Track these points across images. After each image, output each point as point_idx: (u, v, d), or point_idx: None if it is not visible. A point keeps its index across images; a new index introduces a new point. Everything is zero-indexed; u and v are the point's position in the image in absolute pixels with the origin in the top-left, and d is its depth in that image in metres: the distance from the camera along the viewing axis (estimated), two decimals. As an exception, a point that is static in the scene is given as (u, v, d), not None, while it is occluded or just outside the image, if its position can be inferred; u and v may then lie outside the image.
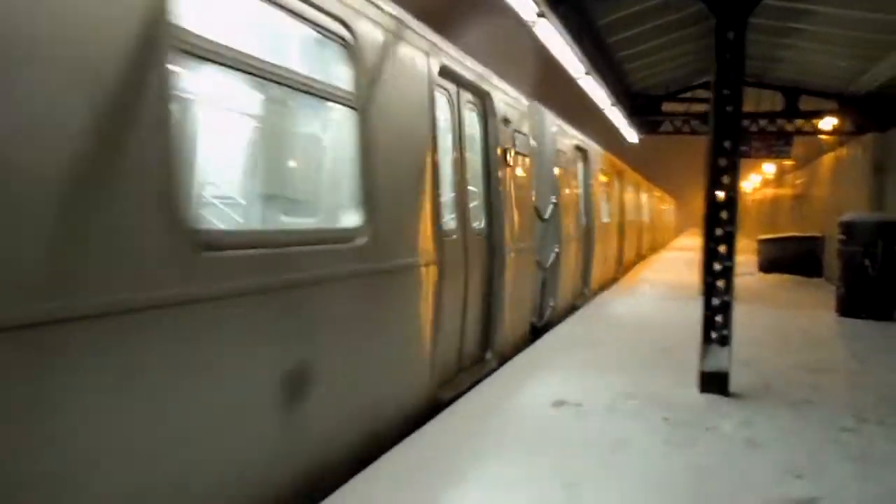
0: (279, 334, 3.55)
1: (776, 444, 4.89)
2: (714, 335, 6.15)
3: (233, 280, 3.16)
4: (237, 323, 3.23)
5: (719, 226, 6.12)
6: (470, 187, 6.58)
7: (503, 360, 7.23)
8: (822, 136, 15.53)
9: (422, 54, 5.40)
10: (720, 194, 6.12)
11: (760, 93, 14.21)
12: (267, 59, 3.58)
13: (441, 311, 5.51)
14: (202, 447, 3.01)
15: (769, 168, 32.05)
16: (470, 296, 6.39)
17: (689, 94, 14.27)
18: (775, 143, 15.25)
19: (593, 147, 12.70)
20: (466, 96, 6.60)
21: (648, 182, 28.43)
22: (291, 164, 5.37)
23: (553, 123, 9.40)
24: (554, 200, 8.97)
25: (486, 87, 6.87)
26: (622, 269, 17.37)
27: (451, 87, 6.21)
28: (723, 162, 6.06)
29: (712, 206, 6.14)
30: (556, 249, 9.21)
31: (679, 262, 22.83)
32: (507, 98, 7.42)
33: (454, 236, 6.05)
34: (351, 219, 4.40)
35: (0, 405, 2.16)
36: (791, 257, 17.38)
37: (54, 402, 2.30)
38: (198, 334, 2.96)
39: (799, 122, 14.49)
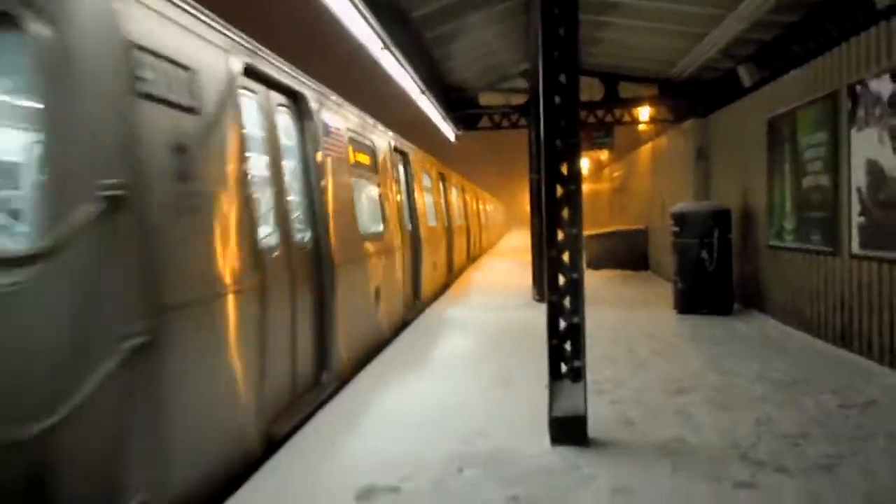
0: None
1: (663, 524, 3.56)
2: (564, 368, 4.79)
3: None
4: None
5: (560, 228, 4.77)
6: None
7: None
8: (642, 126, 15.07)
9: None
10: (558, 188, 4.78)
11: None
12: None
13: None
14: None
15: (584, 163, 32.40)
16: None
17: (507, 85, 13.21)
18: (596, 135, 14.57)
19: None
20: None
21: (472, 183, 27.84)
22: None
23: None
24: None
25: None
26: (453, 274, 16.29)
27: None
28: (560, 145, 4.70)
29: (550, 205, 4.78)
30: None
31: (508, 262, 22.20)
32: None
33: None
34: None
35: None
36: (618, 252, 17.01)
37: None
38: None
39: (618, 111, 13.86)
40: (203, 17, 4.34)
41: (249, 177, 4.82)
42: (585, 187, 28.95)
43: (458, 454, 4.59)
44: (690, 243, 9.95)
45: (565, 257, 4.76)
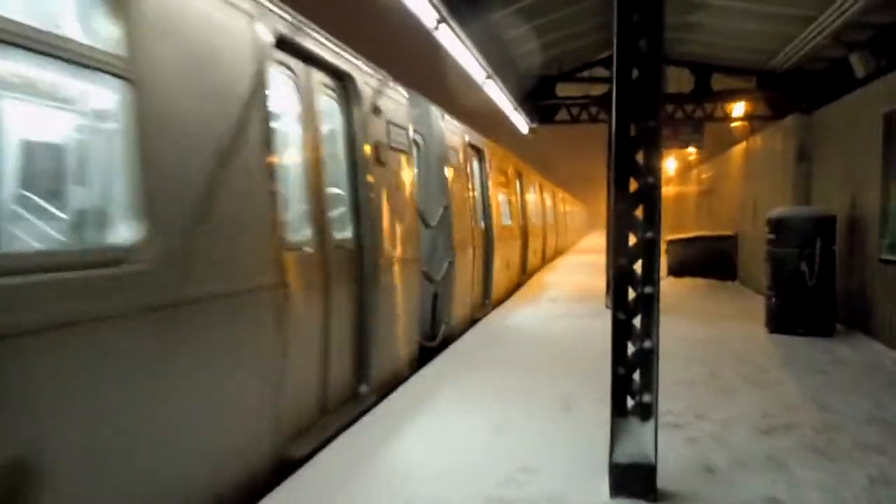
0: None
1: None
2: (631, 403, 3.91)
3: None
4: None
5: (632, 230, 3.89)
6: (333, 189, 5.60)
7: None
8: (735, 123, 13.78)
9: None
10: (631, 182, 3.90)
11: (665, 72, 12.27)
12: None
13: (290, 348, 4.38)
14: None
15: (671, 164, 30.90)
16: (333, 323, 5.16)
17: (587, 74, 12.21)
18: (684, 131, 13.41)
19: (489, 145, 11.02)
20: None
21: (550, 181, 27.16)
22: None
23: (440, 118, 8.82)
24: (445, 204, 8.68)
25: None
26: (526, 275, 15.70)
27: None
28: (635, 129, 3.83)
29: (622, 202, 3.90)
30: (450, 259, 8.79)
31: (584, 264, 21.22)
32: (378, 84, 6.20)
33: (308, 249, 4.88)
34: (122, 233, 3.03)
35: None
36: (703, 259, 15.79)
37: None
38: None
39: (709, 105, 12.66)
40: (455, 121, 9.32)
41: (473, 192, 10.13)
42: (671, 188, 27.52)
43: (495, 500, 3.81)
44: (788, 254, 8.81)
45: (637, 267, 3.88)
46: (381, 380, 6.05)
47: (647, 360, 3.82)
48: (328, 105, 5.42)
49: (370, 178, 5.75)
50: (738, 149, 15.79)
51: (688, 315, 10.29)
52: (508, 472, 4.21)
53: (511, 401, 5.85)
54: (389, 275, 6.20)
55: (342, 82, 5.49)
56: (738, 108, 12.94)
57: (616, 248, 3.86)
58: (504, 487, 4.00)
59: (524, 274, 15.82)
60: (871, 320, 8.57)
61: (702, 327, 9.42)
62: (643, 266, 3.84)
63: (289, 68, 4.72)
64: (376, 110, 5.93)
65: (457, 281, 8.90)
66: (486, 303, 11.04)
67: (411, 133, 7.10)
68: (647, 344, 3.81)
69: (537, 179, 20.29)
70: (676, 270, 15.96)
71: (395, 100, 6.60)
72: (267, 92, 4.14)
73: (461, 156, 9.56)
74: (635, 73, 3.80)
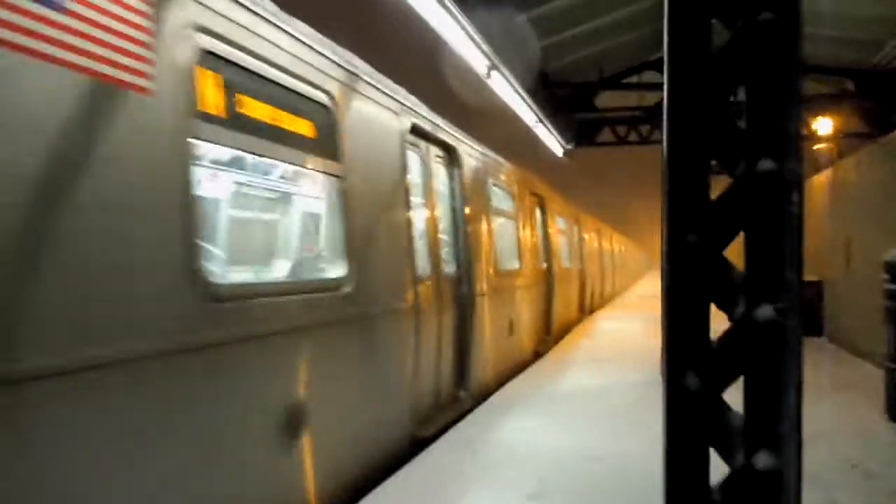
0: None
1: None
2: None
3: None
4: None
5: (723, 296, 1.52)
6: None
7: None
8: (822, 145, 11.23)
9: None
10: (708, 171, 1.54)
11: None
12: None
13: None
14: None
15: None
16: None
17: (635, 79, 9.78)
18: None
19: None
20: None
21: (592, 215, 24.18)
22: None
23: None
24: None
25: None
26: (552, 336, 11.96)
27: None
28: (736, 32, 1.47)
29: (678, 224, 1.54)
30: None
31: (635, 318, 18.40)
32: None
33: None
34: None
35: None
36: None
37: None
38: None
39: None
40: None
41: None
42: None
43: None
44: (921, 310, 6.26)
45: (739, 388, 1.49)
46: None
47: None
48: None
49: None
50: (823, 176, 13.20)
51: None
52: None
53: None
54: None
55: None
56: (825, 126, 10.39)
57: (671, 346, 1.47)
58: None
59: (548, 335, 11.77)
60: None
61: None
62: (761, 392, 1.45)
63: None
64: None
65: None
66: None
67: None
68: None
69: (570, 209, 15.73)
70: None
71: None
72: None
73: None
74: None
